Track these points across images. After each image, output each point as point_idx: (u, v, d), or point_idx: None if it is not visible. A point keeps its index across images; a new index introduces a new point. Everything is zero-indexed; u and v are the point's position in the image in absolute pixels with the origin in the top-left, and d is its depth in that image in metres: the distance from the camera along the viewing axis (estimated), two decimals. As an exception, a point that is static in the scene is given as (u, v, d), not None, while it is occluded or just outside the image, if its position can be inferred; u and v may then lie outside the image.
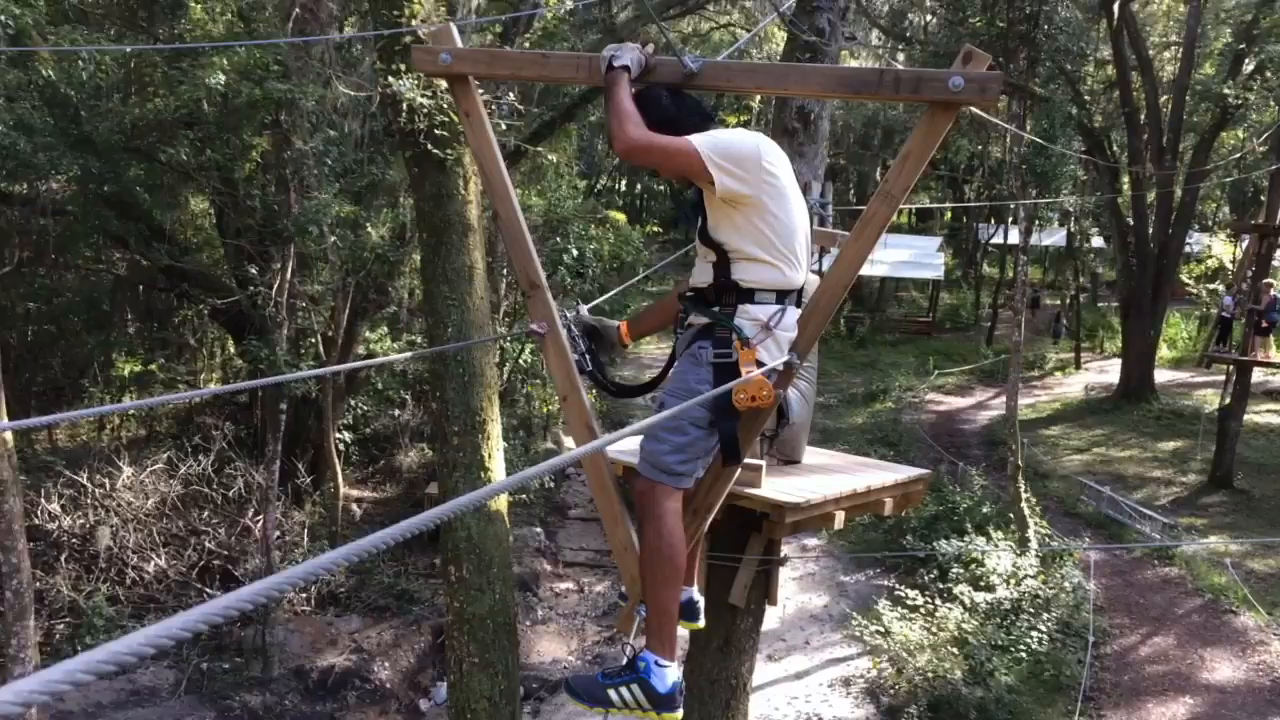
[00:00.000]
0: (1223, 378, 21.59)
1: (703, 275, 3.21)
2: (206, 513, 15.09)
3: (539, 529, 17.94)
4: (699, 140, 2.99)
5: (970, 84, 2.82)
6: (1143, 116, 24.45)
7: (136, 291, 18.66)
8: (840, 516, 5.24)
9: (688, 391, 3.08)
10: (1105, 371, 29.64)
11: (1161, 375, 27.40)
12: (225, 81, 11.81)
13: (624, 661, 3.25)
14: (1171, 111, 25.27)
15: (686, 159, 2.98)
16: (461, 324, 8.88)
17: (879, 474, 5.74)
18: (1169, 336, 31.15)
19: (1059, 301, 37.39)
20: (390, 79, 8.34)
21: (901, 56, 28.44)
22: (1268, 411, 24.65)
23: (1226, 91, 21.93)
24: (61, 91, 12.82)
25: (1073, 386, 29.01)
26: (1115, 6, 22.45)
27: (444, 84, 3.91)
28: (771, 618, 11.95)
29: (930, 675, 12.60)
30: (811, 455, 6.06)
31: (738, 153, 3.00)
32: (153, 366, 18.07)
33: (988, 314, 36.73)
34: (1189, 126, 26.32)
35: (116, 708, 11.84)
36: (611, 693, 3.13)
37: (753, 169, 3.01)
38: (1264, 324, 19.25)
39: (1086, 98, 24.99)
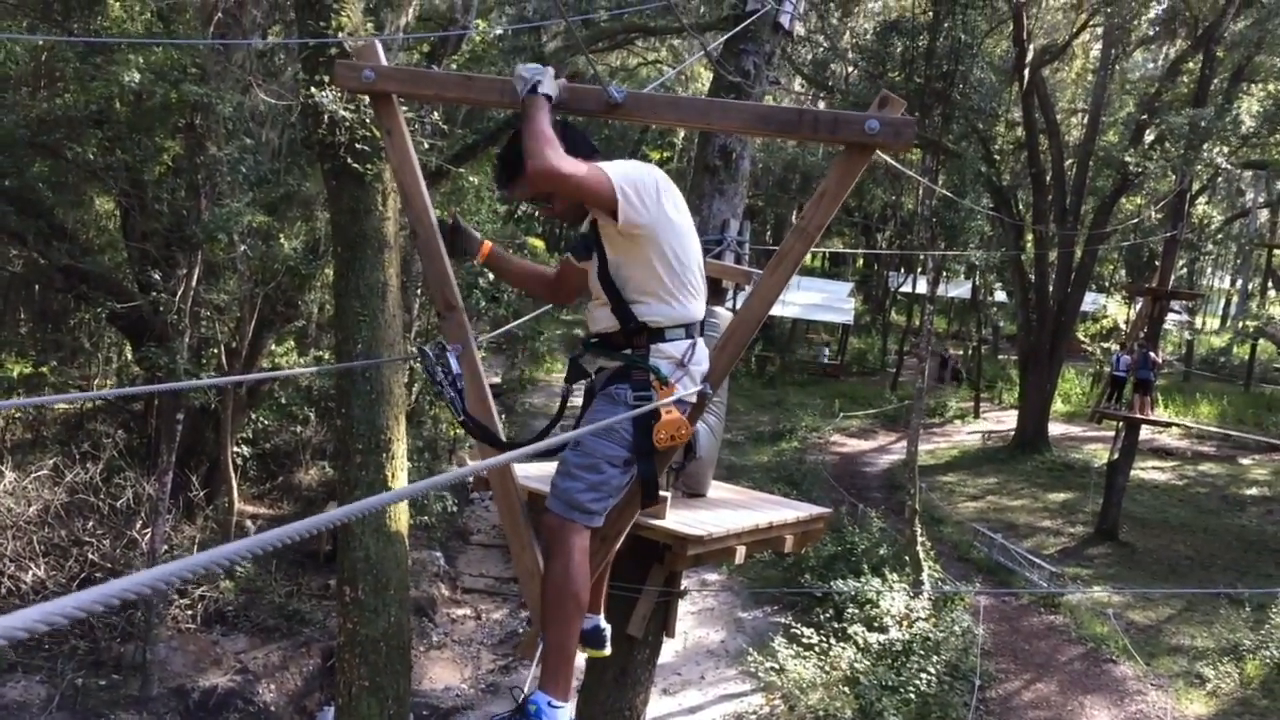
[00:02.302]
0: (1112, 433, 22.36)
1: (604, 320, 3.18)
2: (92, 523, 14.56)
3: (439, 553, 17.69)
4: (610, 168, 2.96)
5: (885, 127, 2.91)
6: (1048, 178, 25.37)
7: (32, 290, 17.99)
8: (741, 551, 5.28)
9: (606, 432, 3.03)
10: (1002, 422, 30.48)
11: (1055, 428, 28.28)
12: (140, 80, 11.54)
13: (514, 705, 3.09)
14: (1075, 175, 26.29)
15: (598, 186, 2.93)
16: (371, 340, 8.77)
17: (781, 511, 5.81)
18: (1063, 391, 32.17)
19: (962, 351, 38.38)
20: (313, 89, 8.25)
21: (823, 105, 29.08)
22: (1153, 468, 25.58)
23: (1128, 159, 22.85)
24: (-35, 80, 12.39)
25: (971, 435, 29.76)
26: (1026, 71, 23.32)
27: (368, 98, 3.86)
28: (668, 651, 11.97)
29: (821, 713, 12.71)
30: (716, 490, 6.10)
31: (642, 183, 2.99)
32: (44, 369, 17.39)
33: (894, 360, 37.52)
34: (1091, 190, 27.41)
35: (-19, 723, 11.31)
36: None
37: (652, 199, 3.00)
38: (1132, 379, 20.11)
39: (996, 156, 25.85)
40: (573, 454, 3.10)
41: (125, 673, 12.69)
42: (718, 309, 6.03)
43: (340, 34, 8.10)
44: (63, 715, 11.81)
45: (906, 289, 39.56)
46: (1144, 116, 24.73)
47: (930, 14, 19.05)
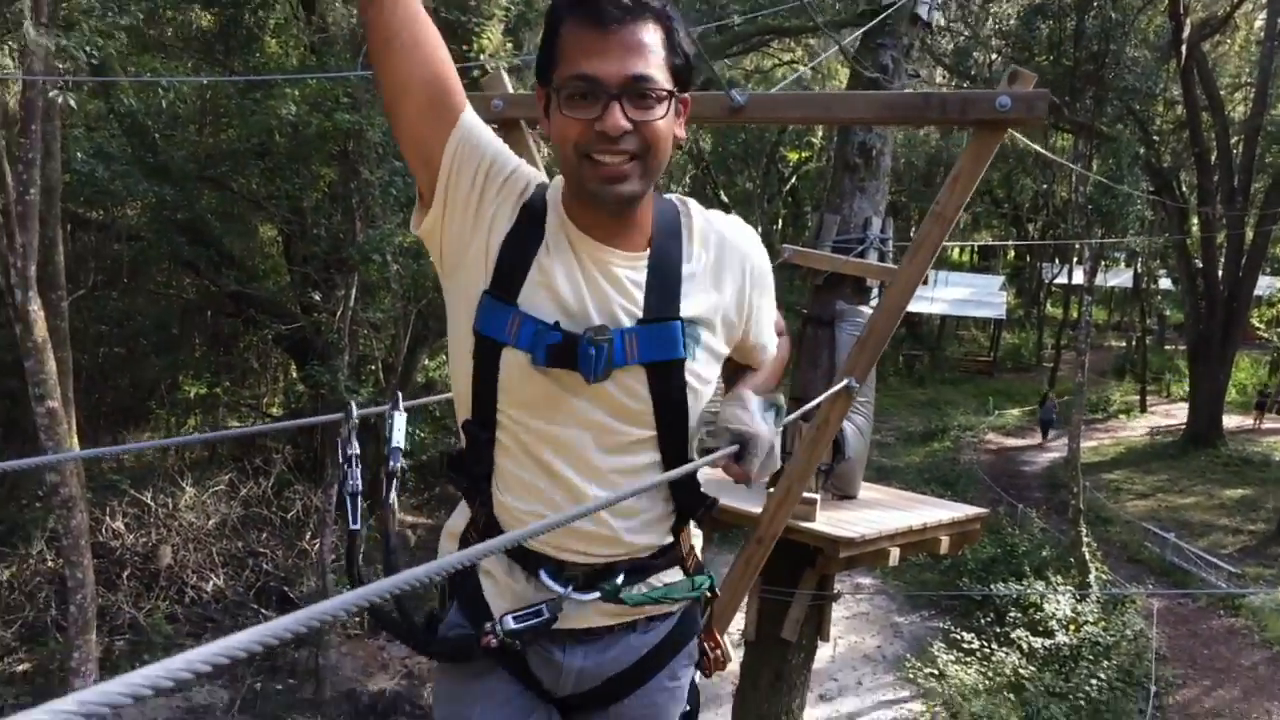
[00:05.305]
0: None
1: (652, 526, 1.75)
2: (265, 534, 15.30)
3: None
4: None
5: (1017, 103, 2.82)
6: (1213, 157, 24.05)
7: (205, 316, 19.09)
8: (895, 553, 5.20)
9: None
10: (1171, 415, 29.01)
11: (1230, 420, 26.73)
12: (296, 112, 12.10)
13: None
14: (1243, 152, 24.82)
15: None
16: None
17: (935, 511, 5.68)
18: (1238, 381, 30.40)
19: (1124, 343, 36.75)
20: (456, 111, 8.48)
21: (965, 94, 28.19)
22: (1342, 460, 23.94)
23: (1300, 132, 21.53)
24: (140, 121, 13.22)
25: (1137, 430, 28.43)
26: (1184, 46, 22.16)
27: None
28: (823, 656, 11.82)
29: (985, 721, 12.36)
30: (867, 491, 6.02)
31: None
32: (217, 390, 18.43)
33: (1050, 354, 36.18)
34: (1261, 168, 25.81)
35: (172, 724, 12.03)
36: None
37: None
38: None
39: (1155, 137, 24.65)
40: None
41: (300, 677, 13.29)
42: (862, 308, 5.95)
43: (482, 56, 8.31)
44: (244, 718, 12.46)
45: (1061, 280, 38.10)
46: (1317, 86, 23.24)
47: (1077, -7, 18.32)
